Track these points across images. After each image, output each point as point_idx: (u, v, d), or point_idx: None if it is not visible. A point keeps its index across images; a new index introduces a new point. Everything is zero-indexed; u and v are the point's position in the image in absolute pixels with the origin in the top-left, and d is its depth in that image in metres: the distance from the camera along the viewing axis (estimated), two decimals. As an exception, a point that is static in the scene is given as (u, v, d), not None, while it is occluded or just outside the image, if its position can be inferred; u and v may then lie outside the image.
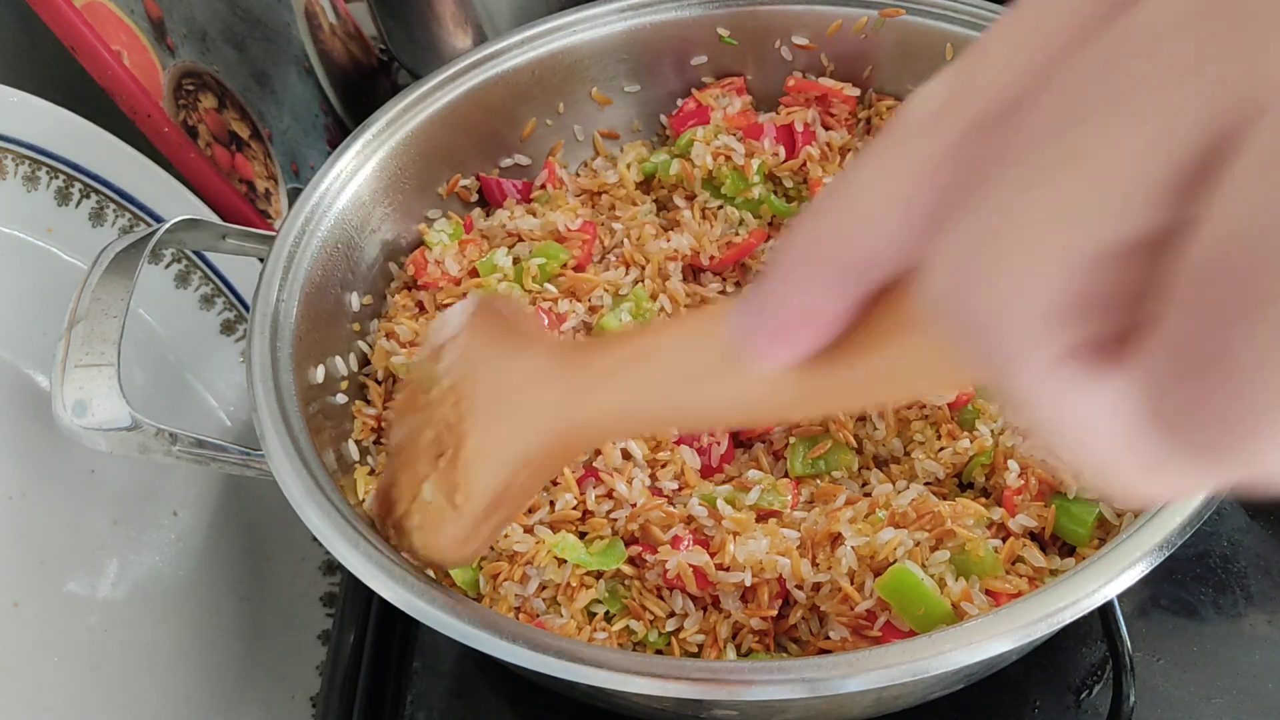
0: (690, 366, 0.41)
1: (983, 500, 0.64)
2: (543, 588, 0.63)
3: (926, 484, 0.66)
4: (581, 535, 0.65)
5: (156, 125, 0.84)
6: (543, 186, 0.87)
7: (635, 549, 0.63)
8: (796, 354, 0.32)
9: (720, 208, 0.83)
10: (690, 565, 0.60)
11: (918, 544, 0.59)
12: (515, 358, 0.49)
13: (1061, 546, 0.63)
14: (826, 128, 0.85)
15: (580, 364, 0.47)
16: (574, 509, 0.65)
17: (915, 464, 0.66)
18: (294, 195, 0.97)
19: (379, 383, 0.75)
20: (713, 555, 0.61)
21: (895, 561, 0.58)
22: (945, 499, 0.63)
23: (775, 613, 0.61)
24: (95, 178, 0.80)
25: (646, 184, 0.86)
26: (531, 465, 0.48)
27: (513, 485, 0.49)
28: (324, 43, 1.13)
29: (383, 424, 0.74)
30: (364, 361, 0.76)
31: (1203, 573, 0.68)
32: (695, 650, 0.61)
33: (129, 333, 0.64)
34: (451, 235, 0.80)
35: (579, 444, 0.55)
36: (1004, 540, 0.61)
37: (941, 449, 0.66)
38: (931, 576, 0.57)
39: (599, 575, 0.63)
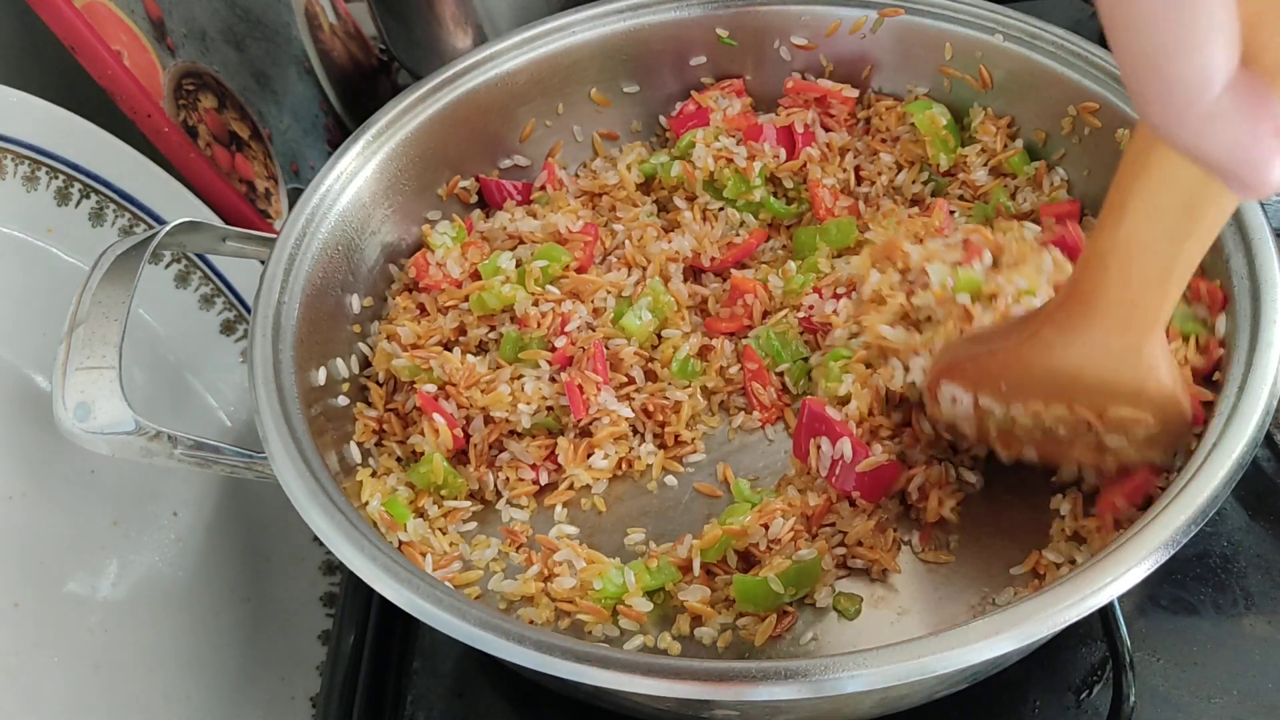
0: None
1: None
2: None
3: None
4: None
5: (156, 125, 0.84)
6: (542, 188, 0.86)
7: None
8: None
9: (721, 209, 0.83)
10: None
11: None
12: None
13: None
14: (826, 129, 0.85)
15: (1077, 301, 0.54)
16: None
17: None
18: (294, 195, 0.97)
19: (380, 385, 0.75)
20: None
21: None
22: None
23: None
24: (95, 178, 0.80)
25: (647, 185, 0.86)
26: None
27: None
28: (324, 43, 1.12)
29: (384, 426, 0.74)
30: (365, 363, 0.76)
31: (1203, 573, 0.68)
32: None
33: (128, 332, 0.64)
34: (454, 238, 0.80)
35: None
36: None
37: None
38: None
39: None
